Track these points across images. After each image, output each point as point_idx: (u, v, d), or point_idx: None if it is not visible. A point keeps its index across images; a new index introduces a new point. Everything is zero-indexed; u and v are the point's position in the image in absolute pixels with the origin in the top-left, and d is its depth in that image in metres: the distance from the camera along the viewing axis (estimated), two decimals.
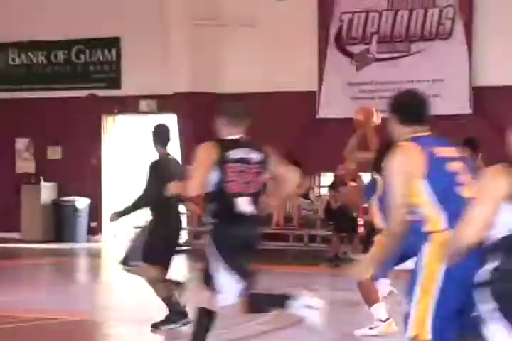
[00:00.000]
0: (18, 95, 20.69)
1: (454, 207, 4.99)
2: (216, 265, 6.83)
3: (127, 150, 20.48)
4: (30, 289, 13.57)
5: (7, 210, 19.93)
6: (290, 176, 7.54)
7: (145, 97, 19.47)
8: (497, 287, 4.48)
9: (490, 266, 4.41)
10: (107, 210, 19.12)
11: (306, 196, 17.19)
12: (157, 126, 9.80)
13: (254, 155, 7.21)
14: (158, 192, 8.60)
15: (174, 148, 16.51)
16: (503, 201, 4.20)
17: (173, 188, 7.55)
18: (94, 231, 20.12)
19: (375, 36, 17.64)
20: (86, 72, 20.23)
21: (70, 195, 19.61)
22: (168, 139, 9.53)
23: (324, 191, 17.76)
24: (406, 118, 5.40)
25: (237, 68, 19.10)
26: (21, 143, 20.49)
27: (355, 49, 17.89)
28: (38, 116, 19.96)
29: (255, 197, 6.96)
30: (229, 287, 7.02)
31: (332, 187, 16.08)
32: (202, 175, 6.78)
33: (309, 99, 17.86)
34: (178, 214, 9.31)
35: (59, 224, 19.61)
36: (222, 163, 6.73)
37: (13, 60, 20.95)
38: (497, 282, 4.49)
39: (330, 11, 18.12)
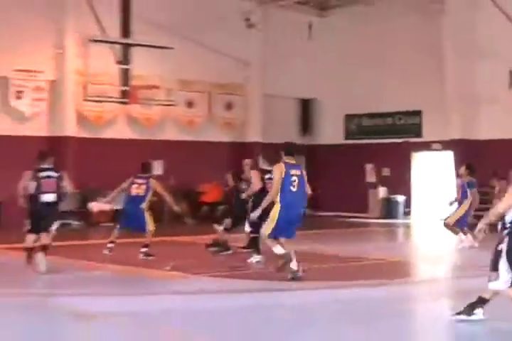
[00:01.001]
0: (363, 142, 29.03)
1: (288, 191, 11.51)
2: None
3: (428, 173, 27.69)
4: (367, 244, 19.53)
5: (363, 203, 28.71)
6: None
7: (435, 142, 26.81)
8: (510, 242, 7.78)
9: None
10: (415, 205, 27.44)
11: None
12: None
13: None
14: None
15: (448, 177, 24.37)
16: None
17: None
18: (407, 213, 27.64)
19: None
20: (403, 128, 28.15)
21: (397, 194, 27.52)
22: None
23: None
24: (287, 153, 11.79)
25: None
26: (368, 166, 28.96)
27: None
28: (372, 152, 28.71)
29: None
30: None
31: None
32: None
33: None
34: None
35: (389, 208, 27.50)
36: None
37: (363, 122, 29.59)
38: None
39: None
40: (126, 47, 19.98)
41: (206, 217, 25.27)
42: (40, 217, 13.28)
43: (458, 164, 24.77)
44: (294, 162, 12.18)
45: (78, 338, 8.72)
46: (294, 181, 11.88)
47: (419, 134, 27.76)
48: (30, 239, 13.38)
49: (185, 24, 25.46)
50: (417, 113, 27.71)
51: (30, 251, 13.33)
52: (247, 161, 16.16)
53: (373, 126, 29.12)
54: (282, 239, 12.04)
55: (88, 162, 22.02)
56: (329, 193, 29.01)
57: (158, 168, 26.04)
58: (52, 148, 23.43)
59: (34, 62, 23.88)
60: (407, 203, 27.57)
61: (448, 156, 26.04)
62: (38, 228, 13.18)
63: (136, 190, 15.03)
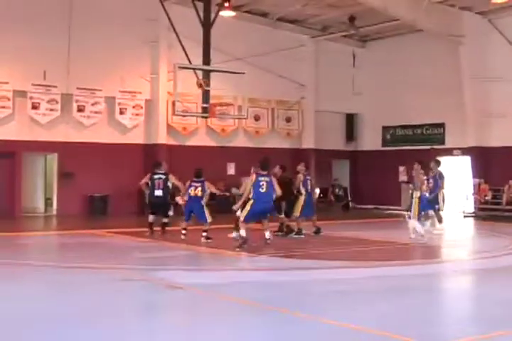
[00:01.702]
0: (397, 148, 28.63)
1: (258, 192, 13.54)
2: None
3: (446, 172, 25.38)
4: (400, 231, 17.42)
5: (397, 197, 27.13)
6: None
7: (455, 148, 26.56)
8: None
9: None
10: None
11: None
12: None
13: None
14: None
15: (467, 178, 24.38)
16: None
17: None
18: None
19: None
20: (429, 137, 27.91)
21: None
22: None
23: None
24: (261, 166, 13.91)
25: None
26: (401, 168, 27.89)
27: None
28: (404, 157, 26.21)
29: None
30: None
31: None
32: None
33: None
34: None
35: None
36: None
37: (397, 133, 29.29)
38: None
39: None
40: (207, 72, 20.16)
41: None
42: (154, 205, 16.41)
43: (474, 166, 25.37)
44: (264, 172, 14.03)
45: (172, 304, 8.77)
46: (263, 185, 13.78)
47: (442, 142, 27.66)
48: (150, 218, 16.27)
49: (254, 53, 25.68)
50: (441, 125, 27.69)
51: (151, 226, 16.19)
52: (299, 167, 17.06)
53: (405, 135, 29.09)
54: (251, 224, 14.05)
55: (176, 164, 22.20)
56: (369, 189, 29.19)
57: (231, 169, 26.36)
58: (148, 153, 24.10)
59: (134, 85, 24.35)
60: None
61: (466, 160, 26.25)
62: (154, 211, 16.25)
63: (194, 192, 15.30)
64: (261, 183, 13.74)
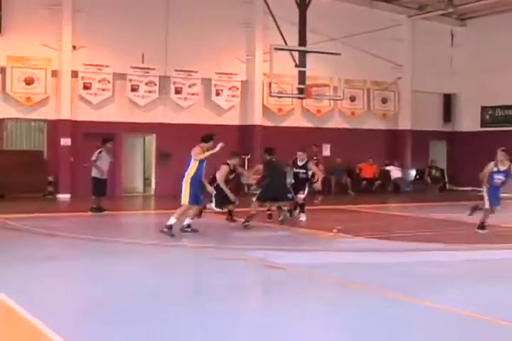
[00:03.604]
0: (496, 129, 27.75)
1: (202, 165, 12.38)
2: None
3: None
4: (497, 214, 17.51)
5: None
6: None
7: None
8: None
9: None
10: None
11: None
12: None
13: None
14: None
15: None
16: None
17: None
18: None
19: None
20: None
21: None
22: None
23: None
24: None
25: None
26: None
27: None
28: (504, 138, 25.79)
29: None
30: None
31: None
32: None
33: None
34: None
35: None
36: None
37: (496, 113, 28.52)
38: None
39: None
40: (303, 53, 20.18)
41: (365, 190, 25.38)
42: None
43: None
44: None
45: (270, 283, 8.92)
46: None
47: None
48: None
49: (349, 34, 25.33)
50: None
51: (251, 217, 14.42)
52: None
53: (505, 116, 28.24)
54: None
55: (272, 145, 22.28)
56: (467, 171, 28.34)
57: (326, 150, 26.31)
58: (243, 134, 24.27)
59: (231, 66, 24.58)
60: None
61: None
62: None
63: None
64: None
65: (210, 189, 13.29)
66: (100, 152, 16.84)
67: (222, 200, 14.01)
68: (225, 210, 14.59)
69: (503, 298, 7.95)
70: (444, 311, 7.09)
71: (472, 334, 6.39)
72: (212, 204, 14.13)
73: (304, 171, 15.21)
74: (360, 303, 7.62)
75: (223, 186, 13.94)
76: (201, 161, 12.46)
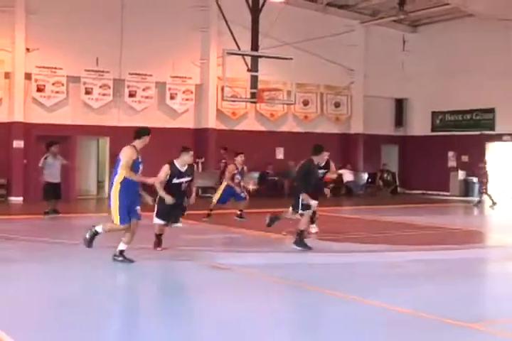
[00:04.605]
0: (446, 133, 28.36)
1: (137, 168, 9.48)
2: None
3: (496, 158, 26.41)
4: (448, 216, 19.87)
5: (445, 183, 27.72)
6: None
7: (506, 134, 26.42)
8: None
9: None
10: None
11: None
12: None
13: None
14: None
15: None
16: None
17: None
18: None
19: None
20: (479, 123, 27.33)
21: (473, 177, 25.58)
22: None
23: None
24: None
25: None
26: (450, 154, 28.39)
27: None
28: (454, 142, 27.79)
29: None
30: None
31: None
32: None
33: None
34: None
35: (467, 188, 26.77)
36: None
37: (447, 118, 28.85)
38: None
39: None
40: (255, 58, 20.39)
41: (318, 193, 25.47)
42: None
43: None
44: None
45: (211, 283, 9.02)
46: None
47: (492, 128, 27.38)
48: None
49: (303, 39, 25.64)
50: (491, 110, 27.34)
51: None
52: None
53: (455, 121, 28.86)
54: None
55: None
56: (417, 175, 29.03)
57: (280, 153, 26.55)
58: (198, 138, 24.37)
59: (185, 70, 24.64)
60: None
61: None
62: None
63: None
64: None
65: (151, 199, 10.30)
66: (46, 158, 16.68)
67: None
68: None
69: (448, 296, 8.13)
70: (390, 310, 7.23)
71: (415, 333, 6.49)
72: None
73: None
74: (303, 302, 7.76)
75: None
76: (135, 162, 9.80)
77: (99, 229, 9.72)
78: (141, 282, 8.98)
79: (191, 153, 10.92)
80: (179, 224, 10.95)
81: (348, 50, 27.92)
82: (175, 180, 10.59)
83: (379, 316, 7.08)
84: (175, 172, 10.77)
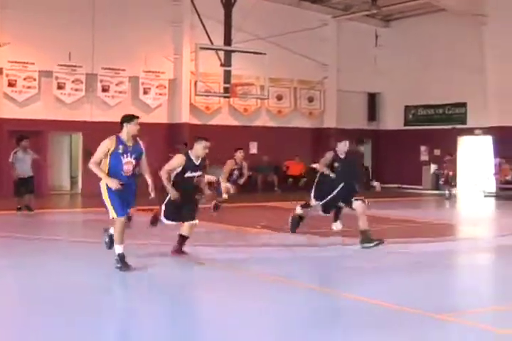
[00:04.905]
0: (419, 128, 28.55)
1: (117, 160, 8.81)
2: None
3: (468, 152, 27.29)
4: (421, 209, 20.71)
5: (418, 177, 28.39)
6: None
7: (477, 128, 26.54)
8: None
9: None
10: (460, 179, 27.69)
11: None
12: None
13: None
14: None
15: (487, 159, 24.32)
16: None
17: None
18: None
19: None
20: (451, 117, 27.77)
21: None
22: None
23: None
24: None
25: None
26: (423, 148, 28.67)
27: None
28: (426, 136, 28.08)
29: None
30: None
31: None
32: None
33: None
34: None
35: (438, 182, 25.98)
36: None
37: (419, 112, 29.24)
38: None
39: None
40: (228, 53, 20.41)
41: (292, 187, 25.61)
42: None
43: (495, 146, 25.25)
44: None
45: (187, 277, 9.04)
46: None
47: (464, 122, 27.57)
48: None
49: (276, 33, 25.64)
50: (463, 104, 27.54)
51: None
52: None
53: (427, 115, 29.04)
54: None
55: None
56: (391, 169, 29.16)
57: (254, 148, 26.61)
58: (171, 132, 24.34)
59: (158, 65, 24.59)
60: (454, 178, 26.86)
61: (487, 140, 26.28)
62: None
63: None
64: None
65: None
66: (16, 152, 16.52)
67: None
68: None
69: (420, 288, 8.25)
70: (363, 302, 7.31)
71: (387, 324, 6.58)
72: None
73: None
74: (277, 295, 7.79)
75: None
76: (113, 154, 9.12)
77: (111, 230, 9.19)
78: (121, 279, 8.90)
79: (204, 143, 9.89)
80: (195, 221, 9.92)
81: (321, 44, 28.02)
82: (188, 174, 9.70)
83: (352, 308, 7.18)
84: (189, 166, 9.89)
